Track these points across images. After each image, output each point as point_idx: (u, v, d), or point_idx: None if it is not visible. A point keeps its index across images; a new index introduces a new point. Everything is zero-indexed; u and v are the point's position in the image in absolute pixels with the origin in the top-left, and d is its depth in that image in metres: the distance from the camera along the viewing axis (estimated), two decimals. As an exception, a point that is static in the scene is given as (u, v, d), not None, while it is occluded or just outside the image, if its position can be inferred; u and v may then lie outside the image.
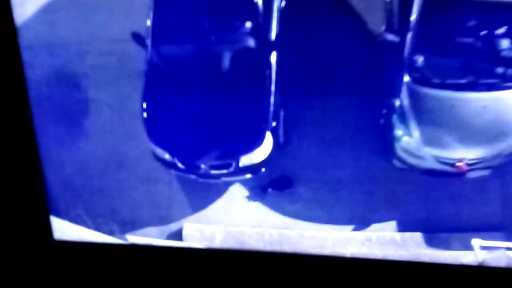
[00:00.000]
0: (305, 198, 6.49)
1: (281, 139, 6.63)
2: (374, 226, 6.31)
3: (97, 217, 6.39)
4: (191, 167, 6.33)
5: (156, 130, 6.34)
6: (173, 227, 6.50)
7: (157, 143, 6.35)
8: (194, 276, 5.41)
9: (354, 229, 6.38)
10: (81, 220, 6.23)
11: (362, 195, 6.41)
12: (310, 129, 6.55)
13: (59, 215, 5.99)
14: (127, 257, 5.54)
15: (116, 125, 6.53)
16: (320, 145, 6.54)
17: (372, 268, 5.25)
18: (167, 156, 6.36)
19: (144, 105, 6.29)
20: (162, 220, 6.55)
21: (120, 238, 6.11)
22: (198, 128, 6.23)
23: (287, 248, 6.17)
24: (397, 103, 6.17)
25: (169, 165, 6.45)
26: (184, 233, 6.47)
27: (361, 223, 6.38)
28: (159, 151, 6.38)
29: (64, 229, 5.88)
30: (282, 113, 6.55)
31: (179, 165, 6.40)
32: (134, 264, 5.51)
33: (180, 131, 6.27)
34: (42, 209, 5.61)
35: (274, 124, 6.34)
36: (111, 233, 6.25)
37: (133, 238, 6.22)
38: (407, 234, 6.23)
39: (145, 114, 6.30)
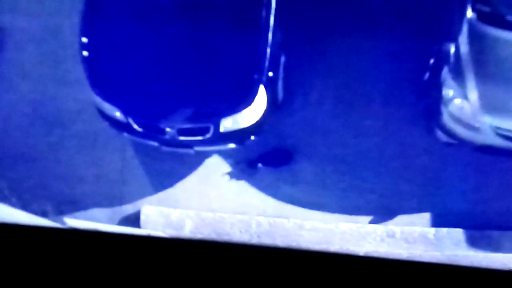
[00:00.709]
0: (308, 178, 6.44)
1: (279, 96, 6.32)
2: (399, 219, 6.28)
3: (24, 192, 6.36)
4: (152, 131, 6.01)
5: (102, 77, 5.93)
6: (127, 209, 6.49)
7: (103, 96, 5.93)
8: (154, 274, 4.82)
9: (372, 221, 6.35)
10: (3, 196, 6.19)
11: (387, 177, 6.30)
12: (320, 82, 6.44)
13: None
14: (64, 246, 4.77)
15: (44, 64, 6.40)
16: (332, 105, 6.46)
17: (393, 271, 4.72)
18: (118, 115, 5.99)
19: (84, 40, 5.83)
20: (113, 199, 6.50)
21: (55, 221, 6.01)
22: (163, 76, 5.89)
23: (280, 241, 6.16)
24: (451, 49, 5.77)
25: (121, 126, 6.10)
26: (142, 217, 6.42)
27: (382, 214, 6.32)
28: (107, 107, 5.99)
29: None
30: (282, 59, 6.18)
31: (135, 127, 6.03)
32: (74, 255, 4.79)
33: (136, 79, 5.91)
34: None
35: (270, 74, 5.95)
36: (43, 214, 6.18)
37: (73, 222, 6.12)
38: (444, 230, 6.24)
39: (85, 53, 5.85)
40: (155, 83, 5.91)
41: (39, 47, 6.69)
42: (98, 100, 5.99)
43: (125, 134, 6.23)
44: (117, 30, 5.83)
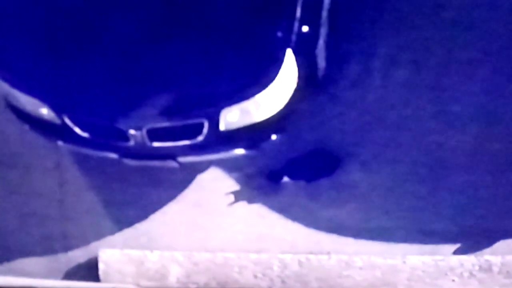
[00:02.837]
0: (359, 195, 5.54)
1: (320, 70, 5.12)
2: (499, 246, 5.54)
3: None
4: (105, 135, 4.94)
5: (13, 55, 4.89)
6: (76, 256, 5.74)
7: (17, 84, 4.89)
8: None
9: (459, 251, 5.65)
10: None
11: (479, 188, 5.54)
12: (385, 50, 5.41)
13: None
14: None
15: None
16: (401, 87, 5.49)
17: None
18: (45, 113, 4.91)
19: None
20: (52, 243, 5.73)
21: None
22: (117, 44, 4.71)
23: (316, 287, 5.61)
24: None
25: (53, 131, 5.06)
26: (101, 266, 5.63)
27: (474, 240, 5.64)
28: (26, 102, 4.91)
29: None
30: (326, 3, 4.91)
31: (76, 131, 4.80)
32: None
33: (73, 55, 4.81)
34: None
35: (305, 29, 4.61)
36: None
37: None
38: None
39: None
40: (105, 57, 4.69)
41: None
42: (10, 91, 4.85)
43: (60, 144, 4.97)
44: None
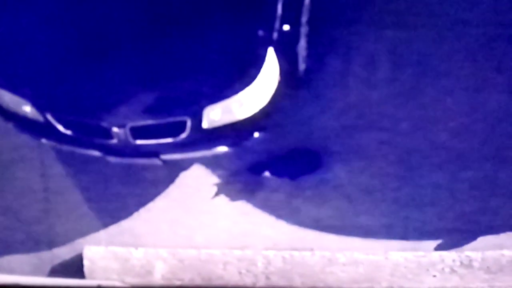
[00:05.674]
0: (341, 191, 5.55)
1: (300, 66, 5.13)
2: (480, 242, 5.60)
3: None
4: (88, 133, 4.93)
5: None
6: (61, 253, 5.71)
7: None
8: None
9: (440, 247, 5.70)
10: None
11: (460, 185, 5.54)
12: (366, 44, 5.50)
13: None
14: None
15: None
16: (382, 83, 5.52)
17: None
18: (28, 110, 4.90)
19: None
20: (37, 240, 5.70)
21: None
22: (100, 42, 4.71)
23: (300, 283, 5.63)
24: None
25: (36, 129, 5.02)
26: (86, 263, 5.63)
27: (455, 236, 5.70)
28: (9, 99, 4.88)
29: None
30: (307, 1, 4.92)
31: (59, 128, 4.80)
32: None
33: (56, 52, 4.78)
34: None
35: (286, 28, 4.63)
36: None
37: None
38: None
39: None
40: (88, 55, 4.72)
41: None
42: None
43: (44, 141, 4.97)
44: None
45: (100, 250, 5.53)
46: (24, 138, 5.24)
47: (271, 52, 4.57)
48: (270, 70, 4.62)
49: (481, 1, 5.68)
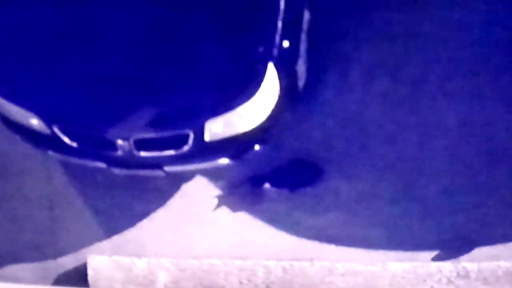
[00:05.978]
0: (340, 202, 5.55)
1: (300, 81, 5.20)
2: (477, 252, 5.60)
3: None
4: (93, 145, 4.98)
5: (4, 66, 4.91)
6: (65, 262, 5.73)
7: (8, 95, 4.88)
8: None
9: (437, 258, 5.71)
10: None
11: (458, 196, 5.55)
12: (364, 58, 5.53)
13: None
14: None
15: None
16: (379, 96, 5.57)
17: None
18: (35, 123, 4.94)
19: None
20: (42, 249, 5.70)
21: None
22: (106, 57, 4.77)
23: None
24: None
25: (42, 141, 5.09)
26: (90, 272, 5.64)
27: (452, 247, 5.65)
28: (16, 113, 4.93)
29: None
30: (306, 17, 4.99)
31: (66, 140, 4.81)
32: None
33: (62, 66, 4.84)
34: None
35: (285, 45, 4.72)
36: None
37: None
38: None
39: None
40: (94, 69, 4.76)
41: None
42: (0, 102, 4.88)
43: (50, 153, 5.02)
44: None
45: (104, 260, 5.54)
46: (31, 149, 5.20)
47: (271, 67, 4.63)
48: (270, 84, 4.69)
49: (477, 11, 5.70)
